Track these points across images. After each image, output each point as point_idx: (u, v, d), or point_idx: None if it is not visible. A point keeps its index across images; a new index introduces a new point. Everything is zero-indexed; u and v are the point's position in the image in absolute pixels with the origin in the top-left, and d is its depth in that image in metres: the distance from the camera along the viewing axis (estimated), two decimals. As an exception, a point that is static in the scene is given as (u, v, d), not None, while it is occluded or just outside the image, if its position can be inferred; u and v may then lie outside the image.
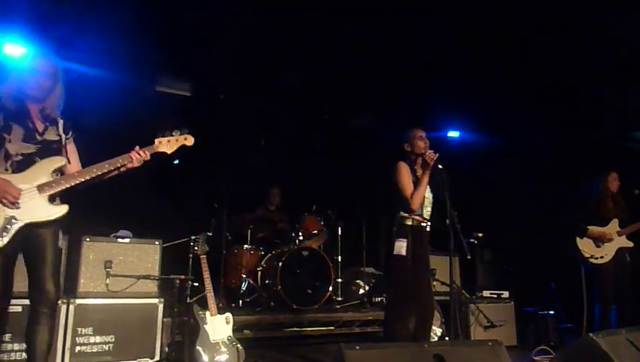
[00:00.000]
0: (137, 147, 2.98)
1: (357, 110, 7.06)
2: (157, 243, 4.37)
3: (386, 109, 6.80)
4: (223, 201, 5.21)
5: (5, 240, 2.62)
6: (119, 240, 4.26)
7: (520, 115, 6.25)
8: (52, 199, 2.79)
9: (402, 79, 5.98)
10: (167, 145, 3.10)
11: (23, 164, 2.75)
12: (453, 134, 7.45)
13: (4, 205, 2.64)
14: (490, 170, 6.88)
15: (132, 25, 4.95)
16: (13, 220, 2.65)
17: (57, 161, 2.85)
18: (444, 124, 7.25)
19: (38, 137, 2.83)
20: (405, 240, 3.55)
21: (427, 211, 3.72)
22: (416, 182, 3.64)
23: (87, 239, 4.13)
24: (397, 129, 3.97)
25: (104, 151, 2.99)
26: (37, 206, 2.72)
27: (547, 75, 5.54)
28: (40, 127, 2.87)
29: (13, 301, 3.49)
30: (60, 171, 2.88)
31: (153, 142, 3.07)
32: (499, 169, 6.79)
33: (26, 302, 2.87)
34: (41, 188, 2.74)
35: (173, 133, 3.12)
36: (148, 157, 3.00)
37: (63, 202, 2.86)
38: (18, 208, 2.67)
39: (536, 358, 4.48)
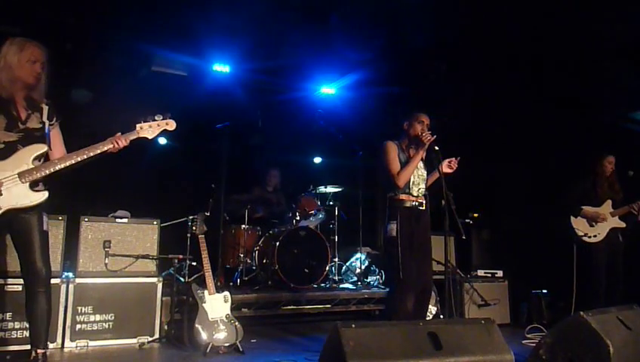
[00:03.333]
0: (119, 134, 3.01)
1: (357, 90, 7.03)
2: (155, 223, 4.41)
3: (387, 90, 6.78)
4: (221, 182, 5.23)
5: None
6: (117, 220, 4.29)
7: (518, 95, 6.24)
8: (34, 185, 2.85)
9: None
10: (148, 130, 3.09)
11: (5, 152, 2.81)
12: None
13: None
14: (487, 150, 6.89)
15: (126, 2, 4.90)
16: None
17: (38, 148, 2.89)
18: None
19: (20, 125, 2.88)
20: (395, 221, 3.57)
21: (420, 189, 3.72)
22: (407, 161, 3.66)
23: (86, 219, 4.17)
24: (390, 108, 3.96)
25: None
26: (18, 192, 2.79)
27: (547, 55, 5.51)
28: (23, 115, 2.91)
29: (12, 280, 3.58)
30: (42, 158, 2.93)
31: (134, 128, 3.06)
32: (496, 149, 6.80)
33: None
34: (22, 175, 2.80)
35: (156, 118, 3.12)
36: (127, 144, 3.01)
37: (45, 188, 2.92)
38: (0, 195, 2.74)
39: (528, 336, 4.56)
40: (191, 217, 4.73)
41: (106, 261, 4.14)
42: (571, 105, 6.04)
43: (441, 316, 4.86)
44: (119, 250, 4.21)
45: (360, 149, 6.09)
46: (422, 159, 3.76)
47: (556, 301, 5.40)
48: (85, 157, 2.91)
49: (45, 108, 2.98)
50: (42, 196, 2.87)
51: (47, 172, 2.86)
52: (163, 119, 3.13)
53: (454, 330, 2.55)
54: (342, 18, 5.30)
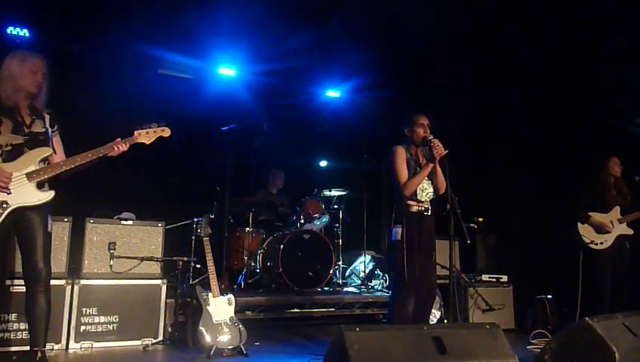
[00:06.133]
0: (119, 139, 3.14)
1: (361, 93, 7.04)
2: (160, 225, 4.43)
3: (391, 94, 6.79)
4: (225, 184, 5.24)
5: None
6: (122, 222, 4.31)
7: (523, 99, 6.23)
8: (40, 186, 3.00)
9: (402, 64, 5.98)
10: (145, 136, 3.25)
11: (13, 153, 2.95)
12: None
13: None
14: (492, 154, 6.88)
15: (132, 6, 4.93)
16: (4, 205, 2.86)
17: (44, 151, 3.04)
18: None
19: (25, 129, 3.03)
20: (401, 225, 3.57)
21: (427, 194, 3.70)
22: (416, 170, 3.65)
23: (91, 221, 4.18)
24: (404, 113, 3.94)
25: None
26: (26, 191, 2.93)
27: (549, 59, 5.50)
28: (27, 120, 3.06)
29: (18, 281, 3.59)
30: (47, 160, 3.07)
31: (133, 134, 3.21)
32: (501, 153, 6.79)
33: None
34: (29, 175, 2.94)
35: (151, 126, 3.28)
36: (126, 148, 3.16)
37: (50, 188, 3.05)
38: (9, 194, 2.87)
39: (533, 341, 4.54)
40: (196, 220, 4.74)
41: (111, 263, 4.16)
42: (576, 109, 6.03)
43: (446, 320, 4.84)
44: (124, 251, 4.23)
45: (365, 153, 6.09)
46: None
47: (561, 306, 5.37)
48: (88, 159, 3.05)
49: (47, 117, 3.14)
50: (49, 195, 3.00)
51: (54, 173, 2.99)
52: (158, 127, 3.29)
53: (459, 335, 2.55)
54: (345, 21, 5.32)
